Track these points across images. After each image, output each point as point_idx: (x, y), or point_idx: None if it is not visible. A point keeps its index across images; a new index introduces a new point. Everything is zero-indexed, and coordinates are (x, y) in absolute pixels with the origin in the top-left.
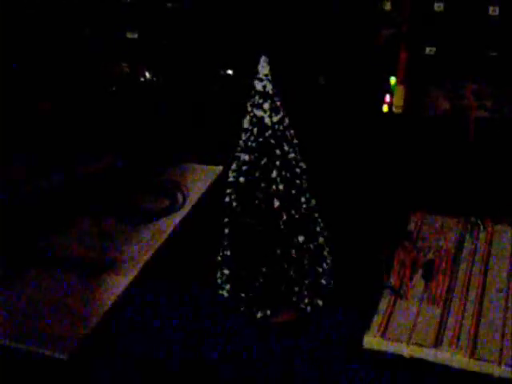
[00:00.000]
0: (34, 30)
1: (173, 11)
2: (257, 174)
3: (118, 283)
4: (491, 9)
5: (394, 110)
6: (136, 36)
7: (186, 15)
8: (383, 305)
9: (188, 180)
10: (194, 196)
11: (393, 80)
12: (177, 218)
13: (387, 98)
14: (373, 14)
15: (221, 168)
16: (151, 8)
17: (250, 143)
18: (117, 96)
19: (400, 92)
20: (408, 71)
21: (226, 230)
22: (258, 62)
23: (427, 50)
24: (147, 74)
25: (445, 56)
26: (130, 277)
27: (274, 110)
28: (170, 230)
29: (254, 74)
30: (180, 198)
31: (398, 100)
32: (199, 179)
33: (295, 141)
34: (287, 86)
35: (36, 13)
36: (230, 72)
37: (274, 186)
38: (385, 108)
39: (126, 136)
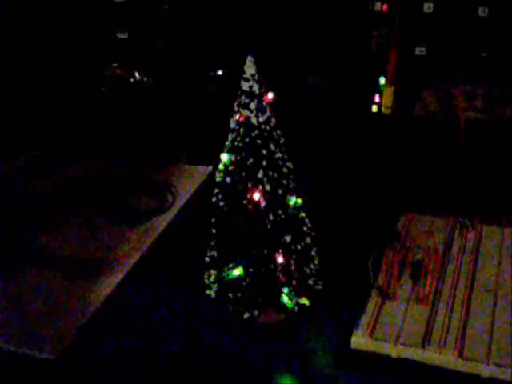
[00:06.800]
0: (29, 31)
1: (163, 13)
2: (243, 174)
3: (107, 283)
4: (480, 10)
5: (383, 110)
6: (126, 36)
7: (176, 16)
8: (371, 305)
9: (178, 180)
10: (183, 196)
11: (382, 80)
12: (166, 218)
13: (377, 98)
14: (364, 14)
15: (210, 168)
16: (142, 9)
17: (236, 143)
18: (107, 96)
19: (389, 92)
20: (398, 72)
21: (214, 231)
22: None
23: (417, 50)
24: (137, 75)
25: (435, 57)
26: (119, 277)
27: (260, 109)
28: (159, 230)
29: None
30: (170, 198)
31: (388, 100)
32: (189, 179)
33: (282, 141)
34: (276, 86)
35: (30, 13)
36: (219, 73)
37: (260, 186)
38: (374, 108)
39: (117, 137)
